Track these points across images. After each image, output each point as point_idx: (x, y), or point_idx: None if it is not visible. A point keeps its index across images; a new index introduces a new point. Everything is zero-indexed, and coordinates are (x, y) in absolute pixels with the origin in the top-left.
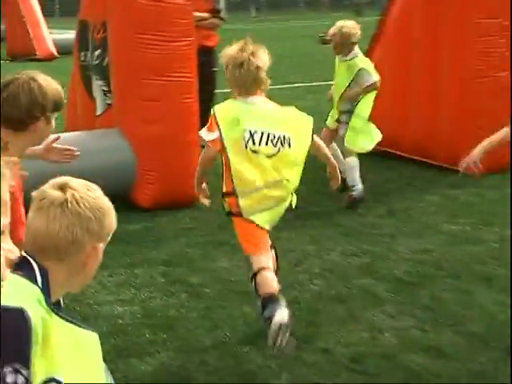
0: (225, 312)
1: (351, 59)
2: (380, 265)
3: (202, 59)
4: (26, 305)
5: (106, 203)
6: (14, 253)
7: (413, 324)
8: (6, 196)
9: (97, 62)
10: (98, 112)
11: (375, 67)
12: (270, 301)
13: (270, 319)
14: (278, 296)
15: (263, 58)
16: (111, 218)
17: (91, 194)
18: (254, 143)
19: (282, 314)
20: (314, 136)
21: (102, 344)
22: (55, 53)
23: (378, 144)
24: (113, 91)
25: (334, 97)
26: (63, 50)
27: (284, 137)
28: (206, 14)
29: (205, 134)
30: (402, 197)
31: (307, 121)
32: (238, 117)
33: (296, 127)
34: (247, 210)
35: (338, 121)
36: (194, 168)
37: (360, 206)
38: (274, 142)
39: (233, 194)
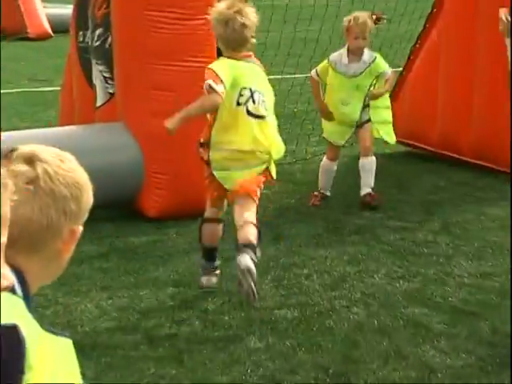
0: (245, 344)
1: (373, 61)
2: (433, 291)
3: None
4: (19, 321)
5: (83, 176)
6: (8, 279)
7: (471, 362)
8: (7, 210)
9: (98, 43)
10: (99, 103)
11: (429, 53)
12: (210, 251)
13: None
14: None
15: (250, 17)
16: (88, 194)
17: (65, 167)
18: (254, 102)
19: (211, 279)
20: None
21: (99, 380)
22: (50, 31)
23: (428, 144)
24: (116, 78)
25: (339, 112)
26: (59, 27)
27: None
28: None
29: (214, 84)
30: (458, 209)
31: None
32: (237, 75)
33: (271, 94)
34: (215, 164)
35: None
36: None
37: (410, 220)
38: (265, 104)
39: (207, 145)
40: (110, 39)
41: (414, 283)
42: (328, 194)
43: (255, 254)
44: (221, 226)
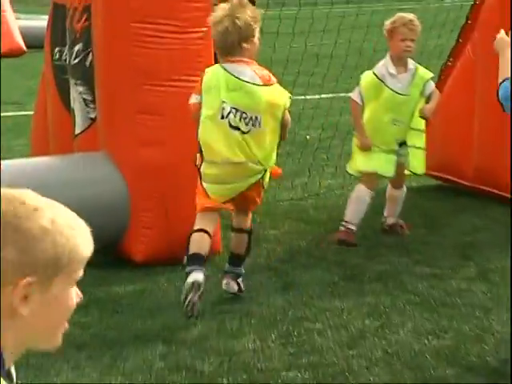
0: None
1: (416, 70)
2: (467, 349)
3: None
4: None
5: (38, 222)
6: None
7: None
8: None
9: (77, 60)
10: (78, 129)
11: (463, 71)
12: (193, 258)
13: (187, 274)
14: (203, 257)
15: (240, 21)
16: (46, 241)
17: (11, 211)
18: (235, 116)
19: (197, 275)
20: (286, 112)
21: None
22: (23, 46)
23: (462, 177)
24: (98, 101)
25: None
26: (34, 42)
27: (256, 118)
28: None
29: (192, 96)
30: (498, 252)
31: (282, 97)
32: (219, 86)
33: (268, 107)
34: (205, 178)
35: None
36: None
37: (441, 265)
38: (247, 120)
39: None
40: (90, 56)
41: (446, 340)
42: (355, 228)
43: (241, 269)
44: (208, 238)
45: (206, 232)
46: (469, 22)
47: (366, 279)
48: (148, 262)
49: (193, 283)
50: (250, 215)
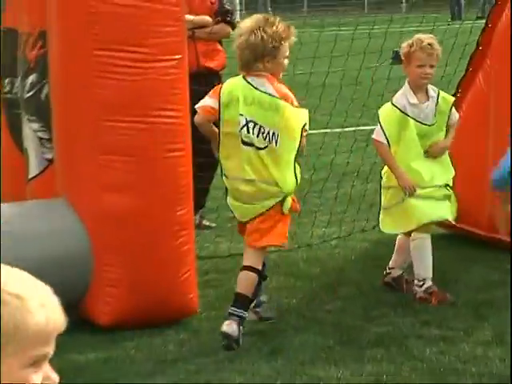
0: None
1: (439, 94)
2: None
3: (200, 89)
4: None
5: None
6: None
7: None
8: None
9: (30, 93)
10: (32, 172)
11: (474, 104)
12: (235, 299)
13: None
14: (246, 297)
15: (256, 39)
16: None
17: None
18: (248, 131)
19: (228, 328)
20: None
21: None
22: None
23: (476, 226)
24: (56, 140)
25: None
26: None
27: (274, 133)
28: (206, 18)
29: (205, 98)
30: None
31: (300, 117)
32: (238, 99)
33: (287, 124)
34: (228, 192)
35: None
36: (183, 264)
37: (452, 327)
38: (264, 135)
39: None
40: (46, 88)
41: None
42: (431, 283)
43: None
44: (254, 275)
45: (251, 269)
46: (480, 48)
47: (365, 343)
48: (114, 325)
49: (222, 333)
50: (263, 254)
